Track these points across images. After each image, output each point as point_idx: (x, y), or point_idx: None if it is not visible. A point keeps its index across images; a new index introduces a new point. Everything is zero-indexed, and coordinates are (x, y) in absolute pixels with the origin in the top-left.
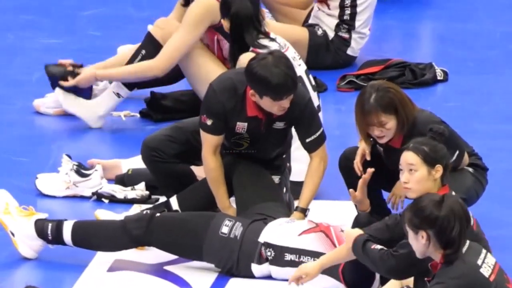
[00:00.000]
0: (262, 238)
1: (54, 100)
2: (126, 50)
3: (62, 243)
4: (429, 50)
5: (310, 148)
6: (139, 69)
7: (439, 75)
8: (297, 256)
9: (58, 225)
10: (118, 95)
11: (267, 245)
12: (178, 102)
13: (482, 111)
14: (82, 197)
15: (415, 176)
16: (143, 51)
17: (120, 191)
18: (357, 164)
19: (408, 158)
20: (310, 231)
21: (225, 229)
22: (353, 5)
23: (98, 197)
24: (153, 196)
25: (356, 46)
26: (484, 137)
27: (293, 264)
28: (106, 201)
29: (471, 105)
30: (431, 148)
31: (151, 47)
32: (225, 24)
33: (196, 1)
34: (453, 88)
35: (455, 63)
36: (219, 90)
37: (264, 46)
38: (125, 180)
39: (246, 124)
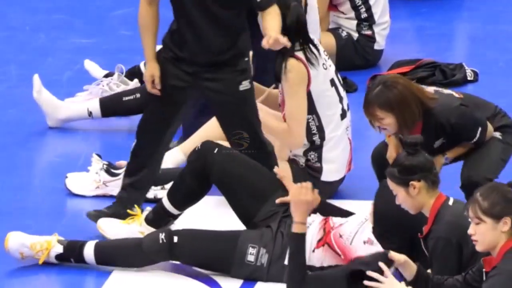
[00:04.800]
0: (287, 261)
1: (84, 100)
2: None
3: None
4: (460, 51)
5: (262, 6)
6: (278, 132)
7: (469, 76)
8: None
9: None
10: (90, 113)
11: None
12: None
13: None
14: (112, 197)
15: (399, 198)
16: (138, 95)
17: (149, 191)
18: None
19: (389, 184)
20: (319, 244)
21: (251, 258)
22: (365, 1)
23: None
24: None
25: (381, 39)
26: None
27: None
28: None
29: (501, 106)
30: (400, 169)
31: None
32: None
33: (287, 68)
34: (483, 89)
35: (486, 64)
36: None
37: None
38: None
39: None
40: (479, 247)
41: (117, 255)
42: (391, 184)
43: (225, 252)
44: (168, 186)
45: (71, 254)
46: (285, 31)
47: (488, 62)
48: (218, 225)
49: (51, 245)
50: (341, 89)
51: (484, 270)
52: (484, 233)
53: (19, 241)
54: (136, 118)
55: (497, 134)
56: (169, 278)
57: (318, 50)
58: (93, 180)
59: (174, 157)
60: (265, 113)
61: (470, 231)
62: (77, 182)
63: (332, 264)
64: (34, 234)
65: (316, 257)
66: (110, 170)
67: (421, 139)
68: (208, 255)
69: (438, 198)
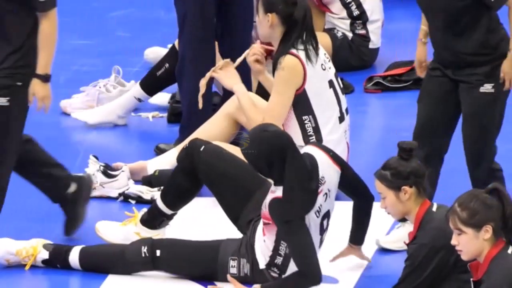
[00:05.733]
0: (261, 264)
1: (81, 101)
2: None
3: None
4: None
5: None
6: (251, 121)
7: None
8: (278, 255)
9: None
10: (139, 99)
11: (269, 265)
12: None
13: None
14: (109, 198)
15: (386, 202)
16: (167, 65)
17: (147, 192)
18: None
19: (376, 187)
20: (263, 231)
21: (233, 270)
22: None
23: (125, 198)
24: None
25: (376, 38)
26: None
27: (285, 260)
28: (133, 202)
29: None
30: (393, 172)
31: (174, 60)
32: (272, 18)
33: (281, 65)
34: None
35: None
36: None
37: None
38: (152, 181)
39: None
40: (464, 257)
41: (102, 262)
42: (380, 187)
43: (207, 267)
44: None
45: (57, 260)
46: (291, 25)
47: None
48: (213, 226)
49: (37, 250)
50: (340, 92)
51: (471, 279)
52: (467, 244)
53: (4, 249)
54: (132, 119)
55: (489, 88)
56: (168, 280)
57: (316, 50)
58: None
59: (170, 159)
60: (248, 99)
61: (453, 242)
62: None
63: (275, 234)
64: (32, 237)
65: (267, 242)
66: (107, 171)
67: (416, 145)
68: (191, 269)
69: (423, 205)
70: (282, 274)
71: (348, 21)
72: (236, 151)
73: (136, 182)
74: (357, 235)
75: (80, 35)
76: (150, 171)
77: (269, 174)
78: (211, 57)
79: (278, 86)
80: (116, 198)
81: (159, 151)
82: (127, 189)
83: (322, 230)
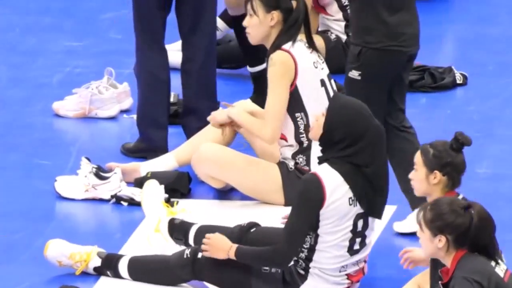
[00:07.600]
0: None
1: (74, 103)
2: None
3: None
4: (449, 53)
5: None
6: (253, 128)
7: (459, 79)
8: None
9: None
10: None
11: (295, 261)
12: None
13: (503, 115)
14: (101, 200)
15: (415, 175)
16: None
17: (139, 194)
18: None
19: (415, 156)
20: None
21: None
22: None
23: (117, 200)
24: (171, 199)
25: None
26: (506, 141)
27: (310, 253)
28: (125, 204)
29: (491, 109)
30: (436, 153)
31: None
32: (277, 16)
33: (272, 60)
34: (473, 92)
35: (475, 67)
36: None
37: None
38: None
39: None
40: (423, 254)
41: (147, 271)
42: (418, 158)
43: (244, 268)
44: None
45: (108, 267)
46: (290, 21)
47: (477, 65)
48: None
49: (90, 257)
50: (331, 92)
51: (440, 282)
52: (424, 242)
53: (59, 250)
54: (125, 120)
55: (356, 75)
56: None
57: (311, 47)
58: (82, 184)
59: (166, 163)
60: (241, 110)
61: (417, 233)
62: (66, 185)
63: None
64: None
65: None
66: (99, 173)
67: (469, 144)
68: (228, 273)
69: (448, 194)
70: (307, 269)
71: (343, 23)
72: (235, 154)
73: (128, 183)
74: None
75: (73, 37)
76: (142, 173)
77: (327, 143)
78: (160, 50)
79: (272, 83)
80: (108, 200)
81: (125, 150)
82: (120, 191)
83: (355, 230)
